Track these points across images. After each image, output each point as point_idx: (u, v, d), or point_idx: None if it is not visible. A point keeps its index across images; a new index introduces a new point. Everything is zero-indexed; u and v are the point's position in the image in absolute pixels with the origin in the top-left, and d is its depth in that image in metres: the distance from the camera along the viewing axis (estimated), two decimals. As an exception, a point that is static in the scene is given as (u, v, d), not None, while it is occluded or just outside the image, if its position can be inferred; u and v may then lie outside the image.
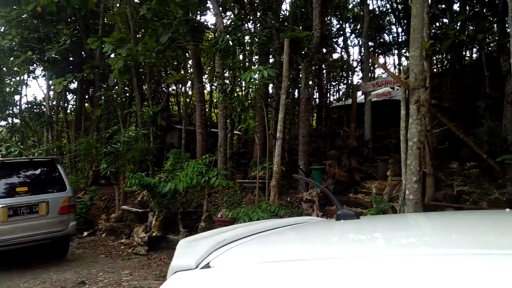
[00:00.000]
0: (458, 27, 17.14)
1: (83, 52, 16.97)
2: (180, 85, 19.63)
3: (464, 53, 21.68)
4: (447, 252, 0.88)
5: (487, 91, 13.31)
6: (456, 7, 18.04)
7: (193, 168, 8.17)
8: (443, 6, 18.40)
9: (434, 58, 21.92)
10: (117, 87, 14.92)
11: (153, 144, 13.36)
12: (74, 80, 16.56)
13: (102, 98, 15.06)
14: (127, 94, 17.86)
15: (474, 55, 22.95)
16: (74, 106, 19.40)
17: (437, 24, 19.33)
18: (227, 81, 10.03)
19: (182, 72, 17.80)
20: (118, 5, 13.00)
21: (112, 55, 11.40)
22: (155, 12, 10.58)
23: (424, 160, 7.68)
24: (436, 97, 15.98)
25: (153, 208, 9.57)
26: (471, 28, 17.71)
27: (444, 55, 21.24)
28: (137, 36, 13.81)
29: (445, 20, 18.43)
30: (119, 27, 15.27)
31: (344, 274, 0.84)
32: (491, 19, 15.75)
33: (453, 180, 8.65)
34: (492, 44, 19.02)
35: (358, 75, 23.85)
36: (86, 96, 18.92)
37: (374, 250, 1.03)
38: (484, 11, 17.01)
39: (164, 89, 20.68)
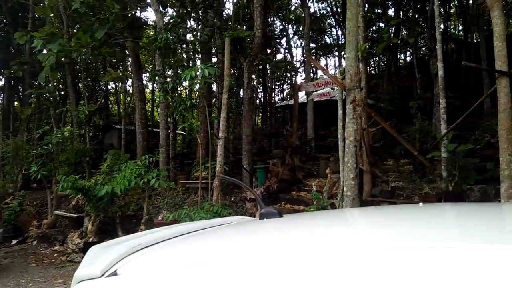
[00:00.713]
0: (392, 31, 18.18)
1: (11, 48, 15.86)
2: (119, 83, 18.82)
3: (399, 56, 23.05)
4: (354, 248, 0.88)
5: (418, 92, 14.19)
6: (391, 12, 19.09)
7: (131, 169, 7.84)
8: (379, 10, 19.37)
9: (371, 60, 23.08)
10: (49, 84, 13.97)
11: (89, 145, 12.70)
12: (0, 77, 15.32)
13: (32, 96, 14.05)
14: (62, 92, 16.80)
15: (408, 58, 24.50)
16: (2, 105, 17.91)
17: (374, 28, 20.31)
18: (168, 80, 9.77)
19: (121, 69, 17.06)
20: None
21: (45, 51, 10.66)
22: (90, 6, 10.03)
23: (361, 158, 8.01)
24: (373, 97, 16.81)
25: (89, 213, 9.11)
26: (405, 32, 18.83)
27: (381, 58, 22.42)
28: (71, 31, 13.03)
29: (381, 24, 19.40)
30: (51, 21, 14.34)
31: (249, 275, 0.82)
32: (423, 24, 16.83)
33: (388, 176, 9.06)
34: (424, 48, 20.39)
35: (301, 76, 24.47)
36: (15, 95, 17.61)
37: (280, 249, 1.02)
38: (416, 16, 18.18)
39: (102, 87, 19.73)
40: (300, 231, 1.29)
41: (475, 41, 17.28)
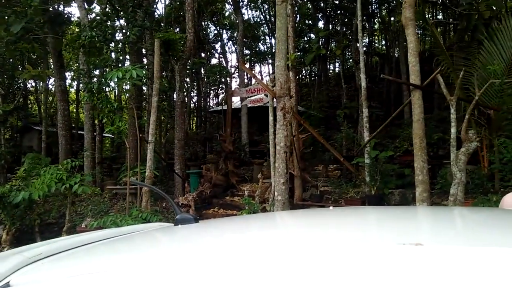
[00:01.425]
0: (322, 43, 19.04)
1: None
2: (40, 82, 17.45)
3: (328, 66, 24.21)
4: (259, 251, 0.88)
5: (345, 101, 14.98)
6: (321, 24, 19.99)
7: (51, 174, 7.27)
8: (310, 22, 20.20)
9: (303, 70, 23.96)
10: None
11: (5, 147, 11.62)
12: None
13: None
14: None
15: (337, 69, 25.82)
16: None
17: (305, 38, 21.12)
18: (94, 80, 9.26)
19: (42, 67, 15.83)
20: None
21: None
22: (5, -2, 9.21)
23: (292, 163, 8.23)
24: (304, 105, 17.45)
25: (3, 221, 8.35)
26: (333, 44, 19.83)
27: (312, 68, 23.36)
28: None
29: (312, 35, 20.24)
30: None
31: (145, 283, 0.79)
32: (349, 37, 17.83)
33: (318, 181, 9.41)
34: (351, 60, 21.62)
35: (236, 81, 24.63)
36: None
37: (184, 255, 1.00)
38: (344, 29, 19.24)
39: (20, 85, 18.15)
40: (211, 236, 1.28)
41: (396, 55, 18.68)
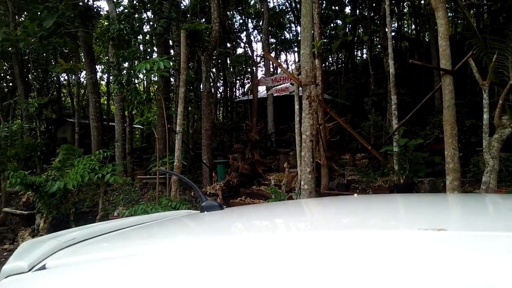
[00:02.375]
0: (348, 29, 18.63)
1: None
2: (72, 75, 18.01)
3: (355, 53, 23.70)
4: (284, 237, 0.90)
5: (372, 88, 14.65)
6: (348, 9, 19.54)
7: (84, 164, 7.55)
8: (336, 8, 19.77)
9: (329, 57, 23.58)
10: (-6, 75, 13.17)
11: (40, 139, 12.11)
12: None
13: (-24, 88, 13.17)
14: (9, 84, 15.86)
15: (365, 56, 25.23)
16: None
17: (331, 25, 20.71)
18: (124, 72, 9.48)
19: (73, 61, 16.31)
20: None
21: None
22: (37, -6, 9.51)
23: (318, 152, 8.18)
24: (330, 93, 17.21)
25: (40, 210, 8.72)
26: (361, 30, 19.36)
27: (338, 55, 22.95)
28: (18, 19, 12.30)
29: (339, 22, 19.82)
30: (-5, 8, 13.46)
31: (177, 266, 0.83)
32: (377, 22, 17.35)
33: (345, 170, 9.31)
34: (378, 46, 21.07)
35: (262, 70, 24.58)
36: (-44, 85, 16.37)
37: (210, 239, 1.04)
38: (371, 15, 18.73)
39: (54, 79, 18.80)
40: (235, 222, 1.31)
41: (427, 40, 18.06)
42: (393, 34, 10.56)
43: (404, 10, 21.75)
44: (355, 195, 1.61)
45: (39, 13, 10.16)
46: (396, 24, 20.38)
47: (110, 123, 16.15)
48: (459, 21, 18.58)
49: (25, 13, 12.91)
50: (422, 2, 17.73)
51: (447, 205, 1.38)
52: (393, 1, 17.17)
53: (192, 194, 9.83)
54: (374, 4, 18.44)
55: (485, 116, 4.79)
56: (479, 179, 5.69)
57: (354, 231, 0.89)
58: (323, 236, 0.86)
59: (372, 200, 1.60)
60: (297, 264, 0.70)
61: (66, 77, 20.05)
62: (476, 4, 14.68)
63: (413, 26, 22.51)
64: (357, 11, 19.62)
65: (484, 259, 0.63)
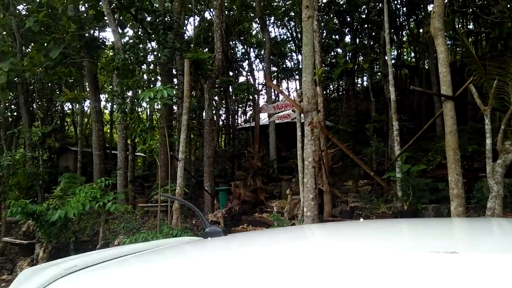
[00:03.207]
0: (349, 57, 18.96)
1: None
2: (76, 104, 18.25)
3: (356, 80, 24.02)
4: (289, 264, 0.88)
5: (373, 115, 14.75)
6: (348, 38, 19.96)
7: (86, 193, 7.51)
8: (336, 37, 20.20)
9: (330, 84, 23.89)
10: (0, 105, 13.32)
11: (43, 168, 12.12)
12: None
13: (-19, 117, 13.31)
14: (14, 113, 16.04)
15: (365, 83, 25.56)
16: None
17: (332, 53, 21.11)
18: (128, 101, 9.61)
19: (78, 90, 16.57)
20: (1, 15, 11.76)
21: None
22: (45, 25, 9.75)
23: (321, 179, 8.14)
24: (332, 120, 17.31)
25: (40, 239, 8.61)
26: (361, 58, 19.70)
27: (339, 82, 23.25)
28: (25, 49, 12.59)
29: (339, 50, 20.22)
30: (4, 39, 13.80)
31: None
32: (377, 50, 17.69)
33: (347, 196, 9.24)
34: (378, 73, 21.38)
35: (263, 98, 24.86)
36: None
37: (212, 266, 1.02)
38: (371, 43, 19.11)
39: (58, 108, 19.03)
40: (240, 248, 1.29)
41: (426, 67, 18.32)
42: (393, 61, 10.74)
43: (403, 39, 22.20)
44: (361, 219, 1.59)
45: (45, 44, 10.41)
46: (395, 52, 20.74)
47: (112, 151, 16.21)
48: (458, 49, 18.92)
49: (32, 44, 13.24)
50: (421, 30, 18.12)
51: (455, 228, 1.36)
52: (392, 30, 17.57)
53: (193, 222, 9.72)
54: (373, 33, 18.85)
55: (488, 141, 4.79)
56: (483, 205, 5.62)
57: (365, 255, 0.87)
58: (334, 260, 0.84)
59: (379, 225, 1.58)
60: None
61: (70, 106, 20.35)
62: (475, 32, 14.99)
63: (413, 54, 22.92)
64: (357, 39, 20.04)
65: (498, 282, 0.61)
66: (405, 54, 24.62)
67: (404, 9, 18.51)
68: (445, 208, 7.02)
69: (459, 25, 18.06)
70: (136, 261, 1.30)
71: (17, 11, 12.41)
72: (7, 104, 14.45)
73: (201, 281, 0.84)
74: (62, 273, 1.14)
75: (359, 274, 0.72)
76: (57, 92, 17.26)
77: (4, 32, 13.06)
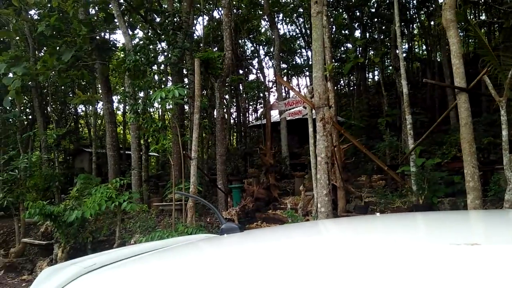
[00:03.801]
0: (359, 52, 18.81)
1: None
2: (89, 106, 18.49)
3: (367, 75, 23.81)
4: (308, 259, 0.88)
5: (386, 109, 14.61)
6: (357, 33, 19.80)
7: (101, 193, 7.62)
8: (346, 32, 20.04)
9: (341, 79, 23.73)
10: (15, 108, 13.57)
11: (58, 169, 12.31)
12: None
13: (-2, 121, 13.59)
14: (29, 116, 16.32)
15: (376, 77, 25.32)
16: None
17: (342, 48, 20.96)
18: (140, 101, 9.70)
19: (91, 92, 16.78)
20: (14, 21, 11.97)
21: (10, 75, 10.38)
22: (56, 29, 9.89)
23: (334, 175, 8.10)
24: (343, 115, 17.21)
25: (58, 239, 8.76)
26: (371, 52, 19.53)
27: (350, 77, 23.09)
28: (38, 54, 12.80)
29: (349, 45, 20.06)
30: (17, 44, 14.04)
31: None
32: (388, 44, 17.49)
33: (361, 192, 9.18)
34: (390, 67, 21.16)
35: (274, 95, 24.83)
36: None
37: (230, 262, 1.03)
38: (382, 37, 18.91)
39: (71, 110, 19.32)
40: (257, 244, 1.29)
41: (438, 59, 18.07)
42: (404, 55, 10.61)
43: (414, 31, 21.91)
44: (377, 213, 1.58)
45: (58, 47, 10.56)
46: (407, 45, 20.49)
47: (126, 152, 16.38)
48: (470, 40, 18.61)
49: (45, 48, 13.45)
50: (432, 23, 17.86)
51: (473, 220, 1.34)
52: (402, 23, 17.36)
53: (208, 220, 9.77)
54: (383, 27, 18.65)
55: (504, 132, 4.71)
56: (500, 198, 5.54)
57: (383, 248, 0.87)
58: (351, 254, 0.84)
59: (396, 218, 1.57)
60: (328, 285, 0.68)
61: (83, 108, 20.63)
62: (487, 22, 14.71)
63: (424, 47, 22.63)
64: (367, 34, 19.85)
65: None
66: (416, 47, 24.30)
67: (415, 1, 18.25)
68: (462, 202, 6.93)
69: (471, 16, 17.75)
70: (153, 258, 1.32)
71: (29, 16, 12.62)
72: (22, 108, 14.71)
73: (218, 277, 0.85)
74: (82, 272, 1.16)
75: (378, 268, 0.71)
76: (70, 95, 17.52)
77: (17, 37, 13.26)
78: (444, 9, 5.09)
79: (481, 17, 17.89)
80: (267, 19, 17.77)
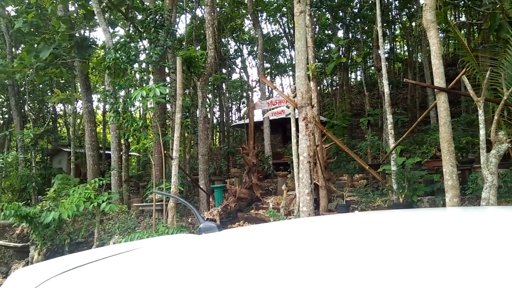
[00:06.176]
0: (342, 52, 18.96)
1: None
2: (68, 105, 18.10)
3: (350, 75, 24.05)
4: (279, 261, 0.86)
5: (368, 109, 14.78)
6: (341, 33, 19.95)
7: (80, 193, 7.45)
8: (329, 32, 20.18)
9: (325, 79, 23.91)
10: (-10, 107, 13.21)
11: (36, 169, 12.00)
12: None
13: (-28, 120, 13.17)
14: (5, 116, 15.89)
15: (359, 77, 25.61)
16: None
17: (325, 48, 21.10)
18: (120, 100, 9.53)
19: (70, 90, 16.43)
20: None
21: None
22: (34, 26, 9.62)
23: (316, 174, 8.12)
24: (326, 115, 17.32)
25: (34, 241, 8.55)
26: (354, 53, 19.72)
27: (334, 77, 23.28)
28: (14, 51, 12.45)
29: (332, 45, 20.22)
30: (-7, 41, 13.65)
31: None
32: (370, 45, 17.71)
33: (343, 191, 9.24)
34: (373, 67, 21.42)
35: (257, 95, 24.82)
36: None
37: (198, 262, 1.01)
38: (364, 37, 19.12)
39: (50, 109, 18.86)
40: (234, 243, 1.27)
41: (419, 60, 18.38)
42: (386, 55, 10.72)
43: (396, 32, 22.23)
44: (356, 212, 1.58)
45: (35, 44, 10.28)
46: (388, 46, 20.78)
47: (106, 152, 16.10)
48: (450, 41, 18.99)
49: (22, 45, 13.10)
50: (413, 24, 18.15)
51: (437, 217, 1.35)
52: (385, 24, 17.58)
53: (189, 220, 9.68)
54: (366, 28, 18.86)
55: (482, 132, 4.79)
56: (478, 196, 5.64)
57: (359, 244, 0.86)
58: (328, 250, 0.84)
59: (372, 215, 1.57)
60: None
61: (62, 107, 20.18)
62: (467, 24, 15.03)
63: (406, 48, 22.99)
64: (350, 34, 20.03)
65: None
66: (398, 47, 24.67)
67: (396, 2, 18.52)
68: (441, 200, 7.05)
69: (451, 17, 18.13)
70: (127, 258, 1.29)
71: (6, 12, 12.26)
72: (-3, 107, 14.34)
73: (191, 276, 0.83)
74: (55, 273, 1.13)
75: (354, 266, 0.70)
76: (49, 93, 17.10)
77: (-7, 34, 12.90)
78: (425, 10, 5.14)
79: (461, 18, 18.28)
80: (250, 18, 17.74)
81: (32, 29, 10.43)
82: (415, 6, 16.01)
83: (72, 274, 1.13)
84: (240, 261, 0.92)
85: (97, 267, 1.20)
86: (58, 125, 21.58)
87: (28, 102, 14.86)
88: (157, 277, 0.91)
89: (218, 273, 0.85)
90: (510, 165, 6.91)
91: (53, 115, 19.10)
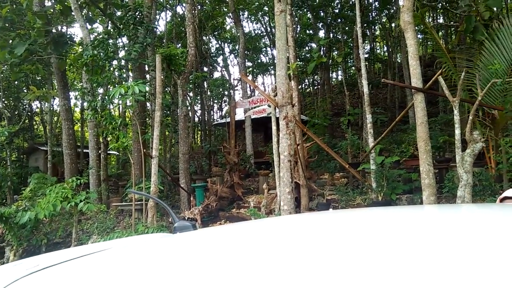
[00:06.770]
0: (323, 52, 19.11)
1: None
2: (45, 102, 17.64)
3: (331, 75, 24.28)
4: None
5: (348, 108, 14.95)
6: (322, 33, 20.10)
7: (57, 193, 7.28)
8: (310, 31, 20.31)
9: (306, 79, 24.05)
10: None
11: (11, 168, 11.67)
12: None
13: None
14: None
15: (340, 77, 25.87)
16: None
17: (306, 48, 21.22)
18: (98, 98, 9.34)
19: (46, 87, 16.01)
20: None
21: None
22: (9, 21, 9.34)
23: (297, 173, 8.17)
24: (307, 114, 17.44)
25: (10, 242, 8.34)
26: (335, 52, 19.91)
27: (315, 77, 23.44)
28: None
29: (313, 45, 20.35)
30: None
31: None
32: (350, 45, 17.90)
33: (324, 189, 9.32)
34: (353, 67, 21.66)
35: (239, 93, 24.79)
36: None
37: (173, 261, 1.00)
38: (345, 38, 19.32)
39: (26, 106, 18.34)
40: (209, 242, 1.25)
41: (398, 61, 18.70)
42: (366, 55, 10.87)
43: (376, 33, 22.54)
44: (331, 209, 1.60)
45: (10, 40, 9.97)
46: (368, 46, 21.05)
47: (84, 150, 15.78)
48: (429, 43, 19.37)
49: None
50: (393, 25, 18.44)
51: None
52: (365, 25, 17.80)
53: (170, 220, 9.59)
54: (346, 28, 19.05)
55: (457, 131, 4.90)
56: (455, 194, 5.77)
57: (335, 241, 0.87)
58: (305, 248, 0.84)
59: (348, 213, 1.58)
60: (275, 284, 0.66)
61: (38, 105, 19.65)
62: (444, 25, 15.36)
63: (385, 48, 23.35)
64: (331, 34, 20.21)
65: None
66: (378, 48, 25.02)
67: (376, 3, 18.77)
68: (418, 198, 7.19)
69: (429, 19, 18.50)
70: (96, 259, 1.26)
71: (-22, 6, 11.83)
72: (-30, 104, 13.85)
73: (162, 276, 0.81)
74: (24, 274, 1.09)
75: (333, 262, 0.71)
76: (24, 90, 16.62)
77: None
78: (402, 11, 5.23)
79: (438, 20, 18.68)
80: (232, 17, 17.67)
81: (7, 24, 10.11)
82: (394, 8, 16.27)
83: (40, 275, 1.10)
84: (212, 260, 0.91)
85: (65, 268, 1.17)
86: (34, 123, 21.03)
87: (3, 99, 14.43)
88: (124, 278, 0.89)
89: (189, 272, 0.83)
90: (484, 164, 7.10)
91: (29, 113, 18.60)
